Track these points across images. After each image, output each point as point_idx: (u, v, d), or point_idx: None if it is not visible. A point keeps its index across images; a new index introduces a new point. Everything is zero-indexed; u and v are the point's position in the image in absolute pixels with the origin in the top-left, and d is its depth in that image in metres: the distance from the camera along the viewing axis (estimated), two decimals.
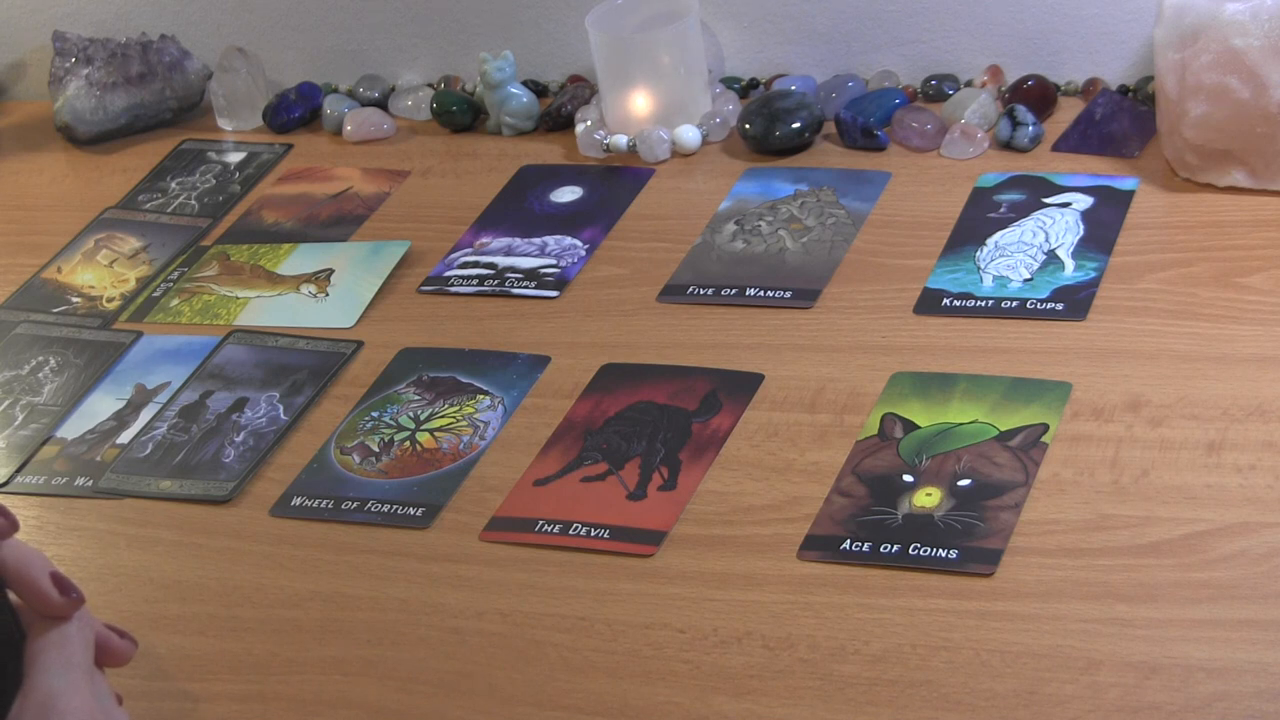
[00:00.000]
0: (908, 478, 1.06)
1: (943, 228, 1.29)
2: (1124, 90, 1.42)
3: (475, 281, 1.33)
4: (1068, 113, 1.41)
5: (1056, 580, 0.97)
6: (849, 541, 1.02)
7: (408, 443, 1.18)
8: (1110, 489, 1.03)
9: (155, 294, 1.39)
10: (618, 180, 1.44)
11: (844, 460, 1.09)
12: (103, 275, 1.43)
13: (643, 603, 1.01)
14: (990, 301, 1.21)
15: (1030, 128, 1.37)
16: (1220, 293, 1.18)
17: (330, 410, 1.22)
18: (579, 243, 1.36)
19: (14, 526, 0.86)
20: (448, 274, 1.35)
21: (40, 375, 1.31)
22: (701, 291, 1.28)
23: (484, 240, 1.39)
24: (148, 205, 1.52)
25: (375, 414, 1.21)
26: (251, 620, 1.05)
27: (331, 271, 1.37)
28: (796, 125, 1.42)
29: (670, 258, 1.32)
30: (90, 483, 1.19)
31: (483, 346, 1.26)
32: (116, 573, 1.11)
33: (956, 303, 1.21)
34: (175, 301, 1.37)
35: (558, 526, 1.08)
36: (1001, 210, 1.30)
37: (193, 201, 1.51)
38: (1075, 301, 1.19)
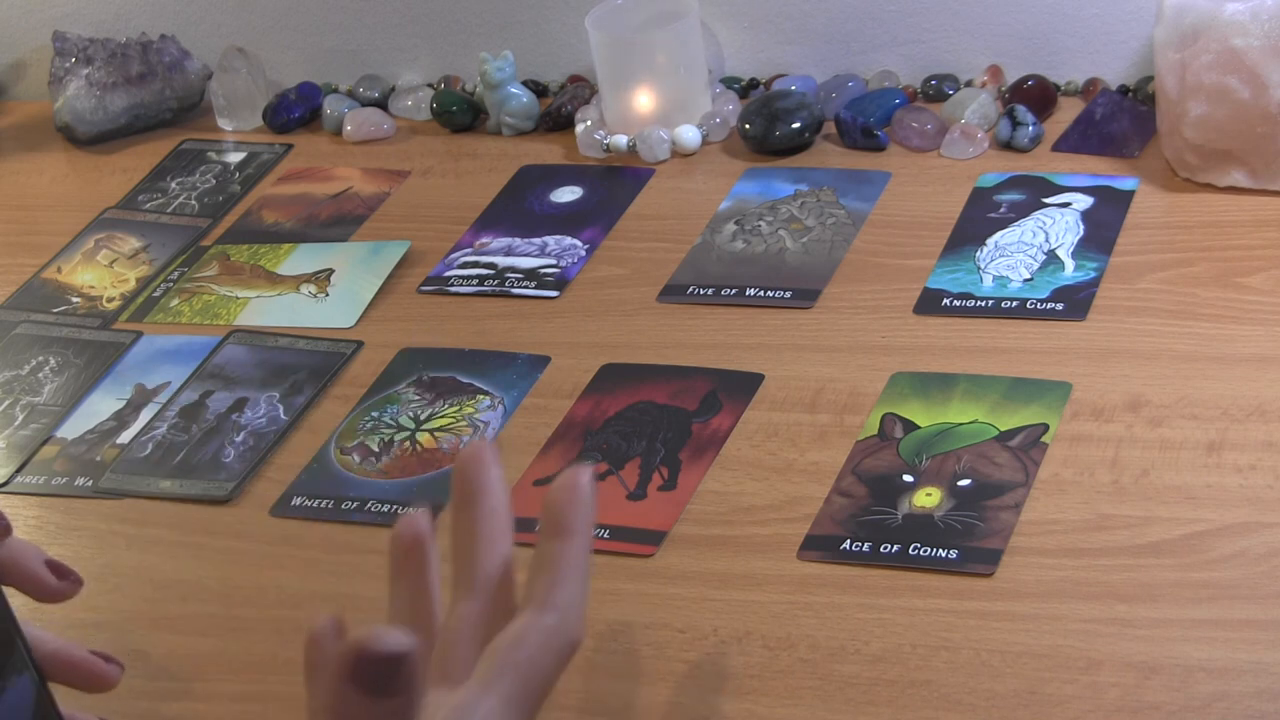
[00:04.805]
0: (908, 478, 1.06)
1: (943, 228, 1.29)
2: (1124, 90, 1.42)
3: (475, 281, 1.33)
4: (1068, 113, 1.41)
5: (1056, 580, 0.97)
6: (849, 541, 1.02)
7: (408, 443, 1.18)
8: (1110, 489, 1.03)
9: (155, 294, 1.39)
10: (618, 180, 1.44)
11: (844, 460, 1.09)
12: (103, 275, 1.43)
13: (643, 603, 1.01)
14: (990, 301, 1.21)
15: (1030, 128, 1.37)
16: (1220, 293, 1.18)
17: (330, 410, 1.22)
18: (579, 243, 1.36)
19: (7, 530, 0.86)
20: (448, 274, 1.35)
21: (40, 375, 1.31)
22: (701, 291, 1.28)
23: (484, 240, 1.39)
24: (148, 205, 1.52)
25: (375, 414, 1.21)
26: (251, 620, 1.05)
27: (331, 271, 1.37)
28: (796, 125, 1.42)
29: (670, 258, 1.32)
30: (90, 483, 1.19)
31: (483, 346, 1.26)
32: (116, 572, 1.11)
33: (956, 303, 1.21)
34: (175, 301, 1.37)
35: None
36: (1001, 210, 1.30)
37: (193, 201, 1.51)
38: (1075, 301, 1.19)
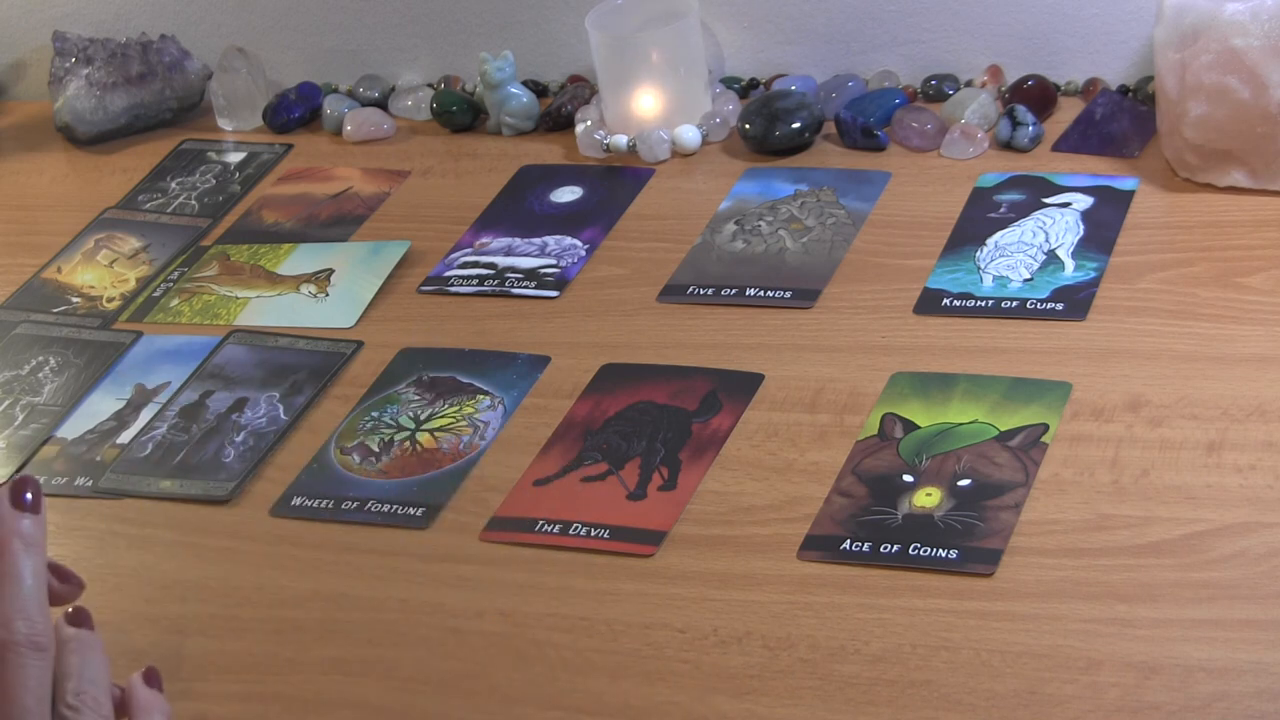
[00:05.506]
0: (908, 478, 1.06)
1: (943, 228, 1.29)
2: (1124, 90, 1.42)
3: (475, 281, 1.33)
4: (1068, 113, 1.41)
5: (1056, 580, 0.97)
6: (849, 541, 1.02)
7: (408, 443, 1.18)
8: (1110, 489, 1.03)
9: (155, 294, 1.39)
10: (618, 180, 1.44)
11: (844, 460, 1.09)
12: (103, 275, 1.43)
13: (643, 603, 1.01)
14: (990, 301, 1.21)
15: (1030, 128, 1.37)
16: (1220, 293, 1.18)
17: (330, 410, 1.22)
18: (579, 243, 1.36)
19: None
20: (448, 274, 1.35)
21: (40, 375, 1.31)
22: (701, 291, 1.28)
23: (484, 240, 1.39)
24: (148, 205, 1.52)
25: (375, 414, 1.21)
26: (251, 620, 1.05)
27: (331, 271, 1.37)
28: (796, 125, 1.42)
29: (670, 258, 1.32)
30: (90, 483, 1.19)
31: (483, 346, 1.26)
32: (116, 573, 1.11)
33: (956, 303, 1.21)
34: (175, 301, 1.37)
35: (558, 526, 1.08)
36: (1001, 210, 1.30)
37: (193, 201, 1.51)
38: (1075, 301, 1.19)
